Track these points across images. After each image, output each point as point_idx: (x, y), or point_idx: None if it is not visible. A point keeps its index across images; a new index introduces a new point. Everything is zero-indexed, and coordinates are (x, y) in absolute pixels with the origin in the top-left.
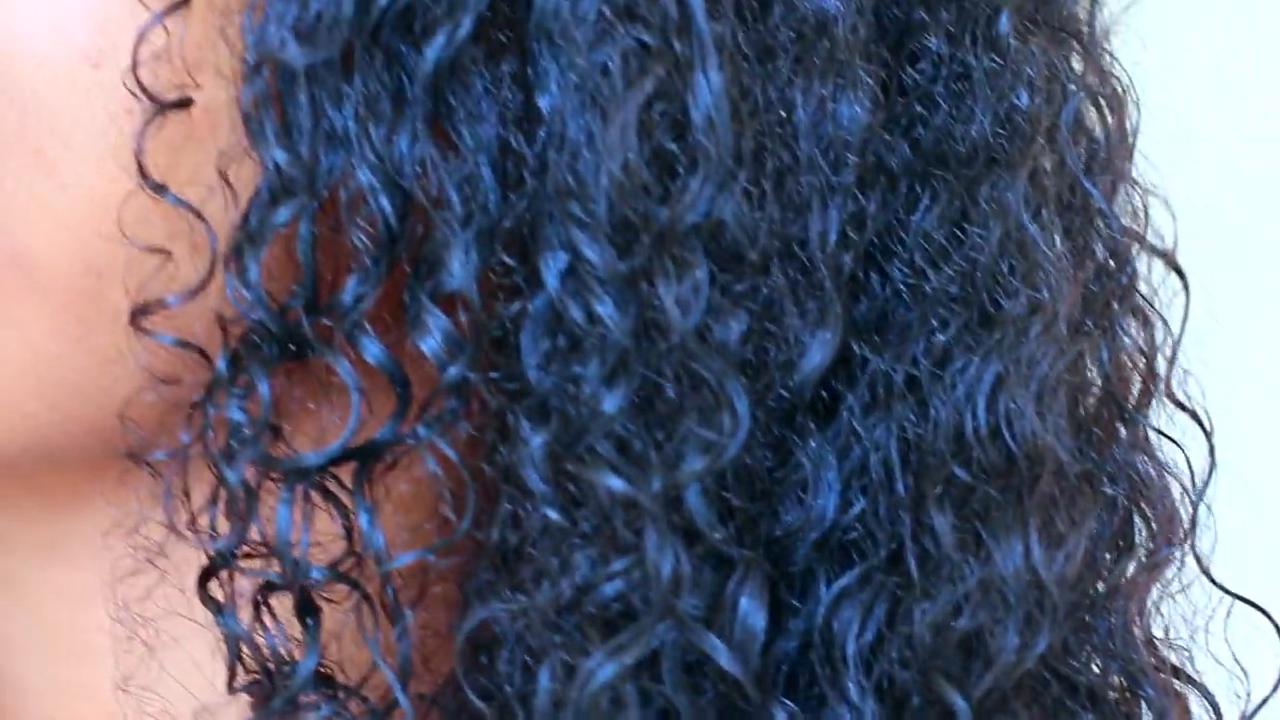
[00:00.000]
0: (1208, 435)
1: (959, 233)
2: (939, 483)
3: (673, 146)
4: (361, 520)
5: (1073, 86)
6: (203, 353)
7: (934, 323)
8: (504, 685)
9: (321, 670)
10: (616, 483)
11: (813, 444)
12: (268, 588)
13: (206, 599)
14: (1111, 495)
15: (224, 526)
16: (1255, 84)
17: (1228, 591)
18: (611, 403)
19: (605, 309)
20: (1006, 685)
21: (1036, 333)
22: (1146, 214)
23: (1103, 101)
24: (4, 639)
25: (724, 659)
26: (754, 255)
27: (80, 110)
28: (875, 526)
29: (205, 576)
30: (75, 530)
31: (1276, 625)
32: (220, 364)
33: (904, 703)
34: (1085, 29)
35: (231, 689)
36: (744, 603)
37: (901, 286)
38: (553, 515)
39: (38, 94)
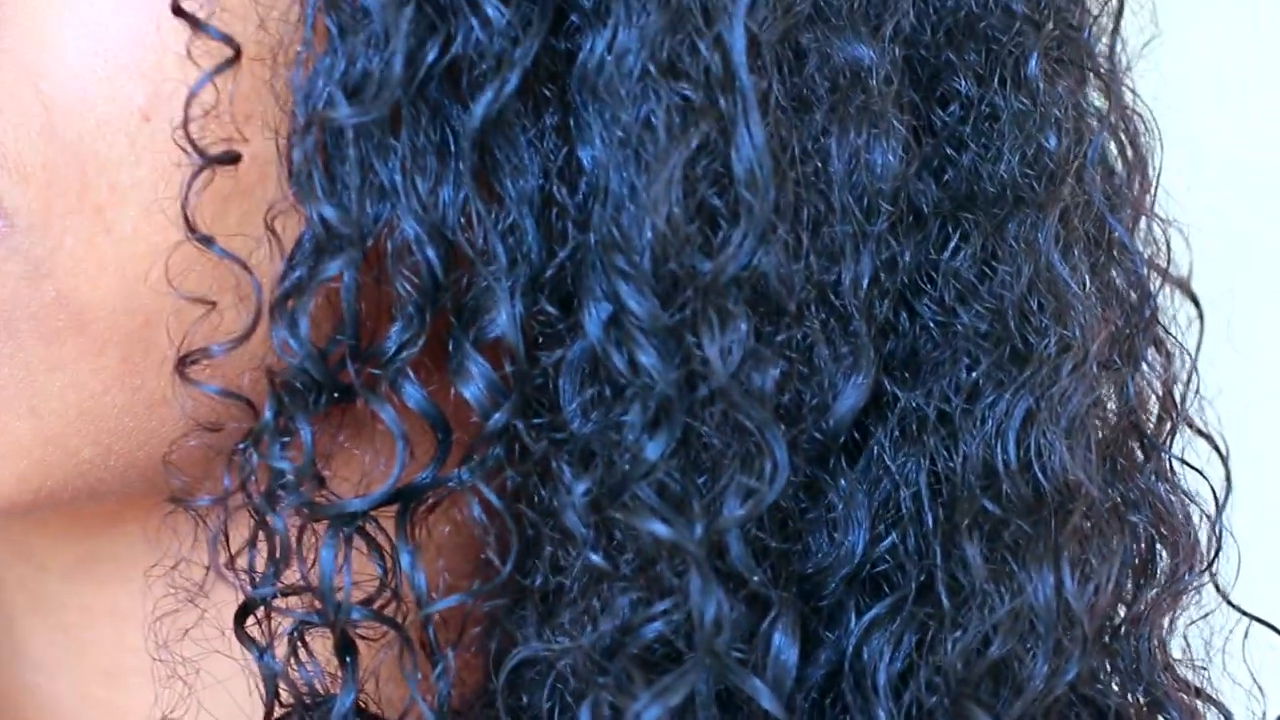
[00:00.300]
0: (1224, 459)
1: (988, 271)
2: (969, 515)
3: (715, 200)
4: (404, 562)
5: (1096, 124)
6: (247, 401)
7: (964, 360)
8: None
9: (359, 705)
10: (661, 528)
11: (843, 483)
12: (305, 625)
13: (244, 637)
14: (1135, 523)
15: (261, 566)
16: (1257, 87)
17: (1245, 614)
18: (654, 449)
19: (649, 358)
20: (1037, 712)
21: (1066, 370)
22: (1169, 244)
23: (1124, 137)
24: (35, 658)
25: (765, 700)
26: (792, 305)
27: (132, 163)
28: (905, 558)
29: (242, 615)
30: (107, 551)
31: None
32: (266, 412)
33: None
34: (1106, 64)
35: None
36: (777, 639)
37: (931, 324)
38: (594, 559)
39: (93, 149)
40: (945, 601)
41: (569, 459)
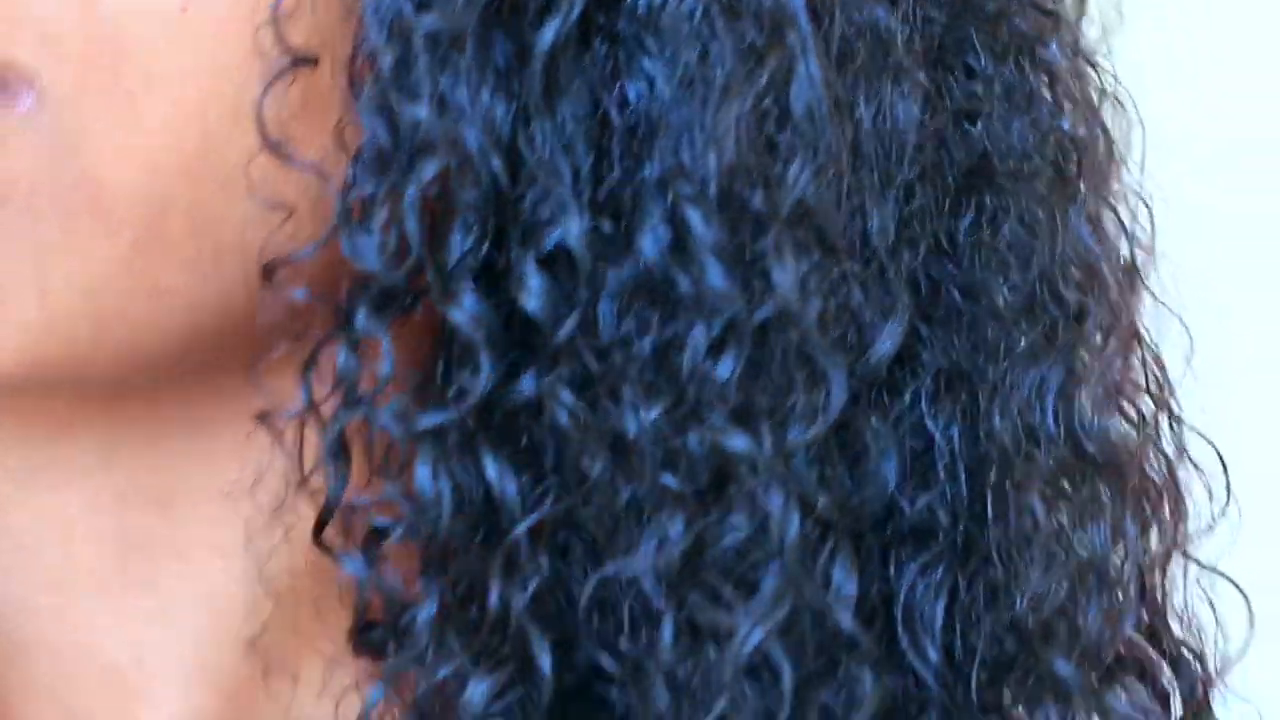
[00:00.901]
0: (1176, 424)
1: (1015, 241)
2: (1012, 471)
3: (775, 134)
4: (490, 473)
5: (1087, 108)
6: (325, 306)
7: (997, 325)
8: (624, 641)
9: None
10: (740, 442)
11: (874, 421)
12: (381, 535)
13: (322, 547)
14: (1153, 483)
15: (335, 479)
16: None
17: (1205, 566)
18: (724, 369)
19: (717, 280)
20: (1096, 661)
21: (1101, 339)
22: (1153, 221)
23: (1101, 121)
24: None
25: (844, 617)
26: (841, 242)
27: (166, 53)
28: (943, 509)
29: (321, 524)
30: (59, 456)
31: (1246, 596)
32: (357, 318)
33: (998, 674)
34: (1070, 58)
35: (355, 638)
36: (837, 573)
37: (958, 289)
38: (666, 480)
39: (132, 32)
40: (995, 554)
41: (633, 378)
